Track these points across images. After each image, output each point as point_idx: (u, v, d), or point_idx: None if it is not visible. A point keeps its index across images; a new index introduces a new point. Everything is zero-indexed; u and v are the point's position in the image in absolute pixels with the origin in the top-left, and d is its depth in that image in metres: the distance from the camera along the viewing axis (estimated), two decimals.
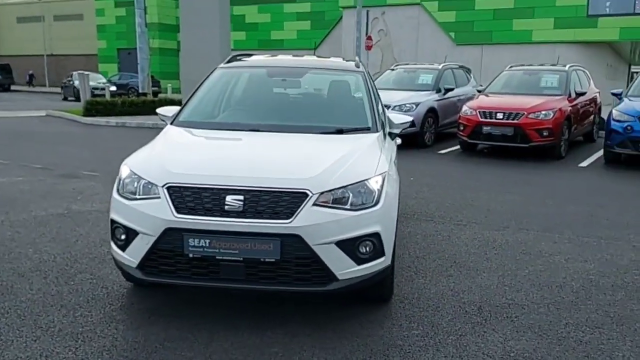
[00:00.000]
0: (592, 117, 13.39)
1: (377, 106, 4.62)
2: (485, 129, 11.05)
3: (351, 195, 3.33)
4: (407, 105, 12.16)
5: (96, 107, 17.38)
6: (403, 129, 4.75)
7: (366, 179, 3.42)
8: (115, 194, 3.60)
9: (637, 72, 42.23)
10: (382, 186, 3.46)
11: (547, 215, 6.51)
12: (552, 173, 9.57)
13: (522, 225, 6.01)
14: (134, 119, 16.65)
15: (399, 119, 4.66)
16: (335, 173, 3.39)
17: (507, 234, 5.70)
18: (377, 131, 4.28)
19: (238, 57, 5.35)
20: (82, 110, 17.47)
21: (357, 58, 5.39)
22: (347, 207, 3.30)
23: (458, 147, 12.09)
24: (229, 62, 5.21)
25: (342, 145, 3.96)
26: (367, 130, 4.28)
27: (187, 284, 3.37)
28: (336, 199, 3.29)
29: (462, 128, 11.55)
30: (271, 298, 3.86)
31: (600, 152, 11.44)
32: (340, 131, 4.20)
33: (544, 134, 10.67)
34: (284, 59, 5.44)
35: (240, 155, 3.76)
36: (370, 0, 28.69)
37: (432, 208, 6.69)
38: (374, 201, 3.38)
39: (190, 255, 3.25)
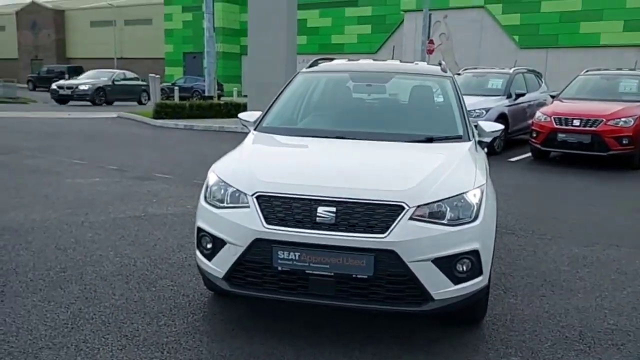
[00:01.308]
0: None
1: (467, 113, 4.41)
2: (561, 136, 10.60)
3: (448, 209, 3.15)
4: (477, 110, 11.79)
5: (165, 109, 17.76)
6: (493, 137, 4.52)
7: (464, 192, 3.23)
8: (202, 202, 3.53)
9: None
10: (480, 200, 3.27)
11: (638, 230, 6.11)
12: (634, 184, 9.06)
13: (612, 241, 5.65)
14: (201, 122, 16.91)
15: (490, 126, 4.43)
16: (431, 185, 3.22)
17: (597, 250, 5.36)
18: (469, 140, 4.08)
19: (319, 61, 5.24)
20: (152, 113, 17.89)
21: (442, 62, 5.18)
22: (445, 222, 3.12)
23: (529, 154, 11.66)
24: (310, 66, 5.11)
25: (435, 155, 3.78)
26: (458, 139, 4.09)
27: (274, 297, 3.24)
28: (432, 213, 3.12)
29: (535, 135, 11.12)
30: (357, 314, 3.71)
31: None
32: (430, 139, 4.02)
33: (624, 142, 10.14)
34: (367, 63, 5.30)
35: (331, 165, 3.63)
36: (432, 4, 28.27)
37: (512, 220, 6.39)
38: (473, 216, 3.18)
39: (279, 269, 3.14)
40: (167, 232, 5.59)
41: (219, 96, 23.46)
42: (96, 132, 14.55)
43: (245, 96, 19.86)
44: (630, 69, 12.97)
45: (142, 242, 5.25)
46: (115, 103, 26.36)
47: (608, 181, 9.20)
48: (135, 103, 26.91)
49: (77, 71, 42.52)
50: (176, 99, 20.02)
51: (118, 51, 50.29)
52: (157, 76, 19.77)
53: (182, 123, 16.62)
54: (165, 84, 34.33)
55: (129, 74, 28.00)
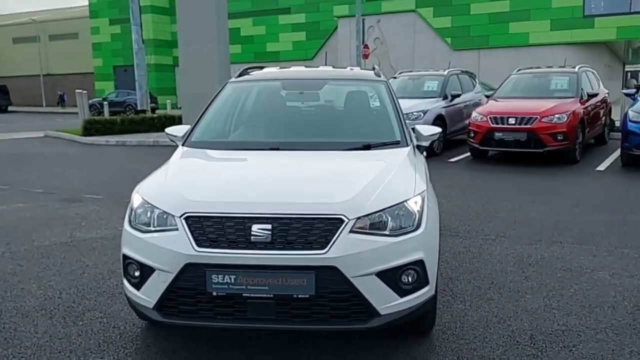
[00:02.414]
0: (603, 118, 13.08)
1: (403, 117, 4.28)
2: (497, 135, 10.76)
3: (390, 219, 2.99)
4: (415, 113, 11.85)
5: (95, 126, 17.06)
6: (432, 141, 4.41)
7: (405, 200, 3.08)
8: (126, 226, 3.24)
9: (631, 72, 42.18)
10: (422, 207, 3.12)
11: (578, 225, 6.17)
12: (571, 179, 9.23)
13: (555, 238, 5.67)
14: (134, 137, 16.34)
15: (428, 130, 4.31)
16: (371, 195, 3.05)
17: (541, 248, 5.35)
18: (407, 145, 3.95)
19: (249, 70, 5.02)
20: (81, 130, 17.13)
21: (376, 67, 5.06)
22: (387, 232, 2.95)
23: (468, 154, 11.79)
24: (239, 75, 4.88)
25: (373, 162, 3.63)
26: (396, 144, 3.95)
27: (211, 325, 3.00)
28: (373, 224, 2.95)
29: (472, 135, 11.24)
30: (303, 334, 3.50)
31: (615, 155, 11.17)
32: (367, 147, 3.86)
33: (559, 137, 10.36)
34: (299, 70, 5.11)
35: (265, 179, 3.41)
36: (365, 9, 28.52)
37: (455, 222, 6.34)
38: (415, 225, 3.03)
39: (214, 294, 2.89)
40: (96, 258, 5.21)
41: (153, 109, 22.79)
42: (21, 154, 13.79)
43: (180, 108, 19.37)
44: (561, 66, 13.32)
45: (69, 271, 4.86)
46: None
47: (547, 177, 9.36)
48: None
49: (1, 90, 40.70)
50: (106, 114, 19.29)
51: (44, 67, 48.42)
52: (85, 91, 18.96)
53: (113, 139, 16.00)
54: (95, 99, 33.21)
55: None
